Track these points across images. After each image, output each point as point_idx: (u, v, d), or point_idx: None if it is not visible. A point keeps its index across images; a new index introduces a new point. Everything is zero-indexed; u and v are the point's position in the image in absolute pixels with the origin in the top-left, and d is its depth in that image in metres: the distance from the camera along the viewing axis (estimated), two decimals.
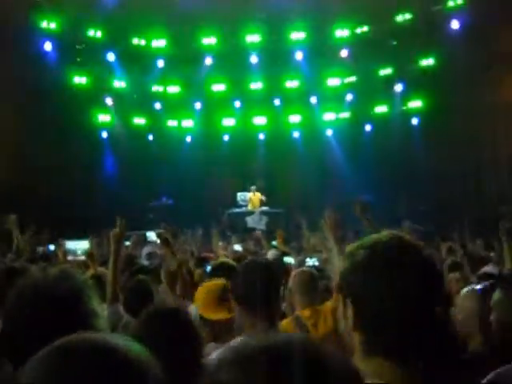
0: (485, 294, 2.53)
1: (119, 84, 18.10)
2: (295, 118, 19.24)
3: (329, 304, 3.51)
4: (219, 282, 3.05)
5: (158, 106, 18.81)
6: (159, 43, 18.17)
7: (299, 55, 18.51)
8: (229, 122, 19.31)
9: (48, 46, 16.35)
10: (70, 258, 6.77)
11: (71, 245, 9.09)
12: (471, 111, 14.63)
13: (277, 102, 19.12)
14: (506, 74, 14.34)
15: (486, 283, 2.75)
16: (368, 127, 18.69)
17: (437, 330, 1.27)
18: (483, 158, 14.72)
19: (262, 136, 19.48)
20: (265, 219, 15.04)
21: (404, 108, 18.19)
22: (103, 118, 18.03)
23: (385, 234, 1.36)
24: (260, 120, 19.30)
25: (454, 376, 2.04)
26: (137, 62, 18.08)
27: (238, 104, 19.19)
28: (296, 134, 19.53)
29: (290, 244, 8.29)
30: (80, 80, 17.20)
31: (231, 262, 4.20)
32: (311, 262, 5.57)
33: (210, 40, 18.32)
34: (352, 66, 18.21)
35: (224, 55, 18.45)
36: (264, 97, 18.95)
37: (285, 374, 0.76)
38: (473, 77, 14.41)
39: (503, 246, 4.25)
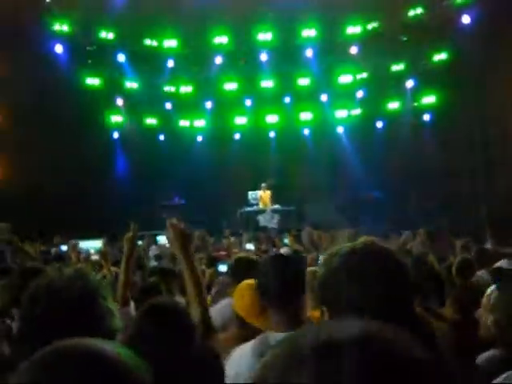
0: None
1: (131, 85, 18.17)
2: (306, 116, 19.21)
3: None
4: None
5: (169, 105, 18.87)
6: (170, 43, 18.22)
7: (310, 52, 18.47)
8: (240, 120, 19.32)
9: (59, 48, 16.47)
10: (83, 257, 6.82)
11: (84, 245, 9.15)
12: (483, 106, 14.50)
13: (288, 99, 19.10)
14: None
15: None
16: (379, 124, 18.60)
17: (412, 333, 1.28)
18: (494, 154, 14.58)
19: (273, 134, 19.48)
20: (276, 217, 15.03)
21: (416, 104, 18.08)
22: (115, 118, 18.13)
23: (360, 241, 1.40)
24: (271, 118, 19.29)
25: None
26: (148, 63, 18.14)
27: (249, 102, 19.19)
28: (307, 132, 19.49)
29: (301, 242, 8.28)
30: (92, 81, 17.30)
31: (252, 256, 4.23)
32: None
33: (220, 39, 18.33)
34: (363, 63, 18.13)
35: (235, 54, 18.47)
36: (275, 95, 18.93)
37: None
38: (484, 72, 14.29)
39: None
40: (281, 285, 2.23)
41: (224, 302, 3.72)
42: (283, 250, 6.53)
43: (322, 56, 18.43)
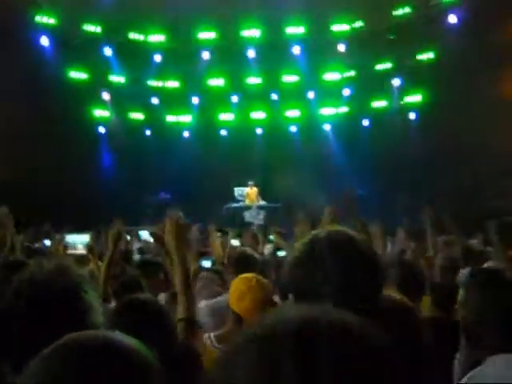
0: None
1: (117, 79, 18.06)
2: (293, 113, 19.23)
3: None
4: (264, 281, 2.93)
5: (155, 100, 18.78)
6: (157, 38, 18.14)
7: (297, 50, 18.49)
8: (227, 116, 19.30)
9: (45, 41, 16.31)
10: (69, 251, 6.77)
11: (70, 238, 9.08)
12: (469, 105, 14.61)
13: (275, 96, 19.10)
14: (504, 67, 14.32)
15: None
16: (366, 122, 18.68)
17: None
18: (481, 153, 14.71)
19: (259, 131, 19.47)
20: (262, 214, 15.06)
21: (402, 102, 18.18)
22: (100, 112, 18.01)
23: (325, 229, 1.40)
24: (258, 115, 19.29)
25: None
26: (134, 57, 18.02)
27: (235, 99, 19.17)
28: (294, 129, 19.52)
29: (288, 239, 8.28)
30: (77, 75, 17.17)
31: (252, 252, 4.24)
32: None
33: (207, 35, 18.30)
34: (350, 61, 18.20)
35: (222, 50, 18.42)
36: (262, 91, 18.93)
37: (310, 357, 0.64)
38: (470, 71, 14.40)
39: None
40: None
41: (220, 299, 3.72)
42: (267, 247, 6.54)
43: (309, 53, 18.46)
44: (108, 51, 17.63)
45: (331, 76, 18.59)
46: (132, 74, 18.23)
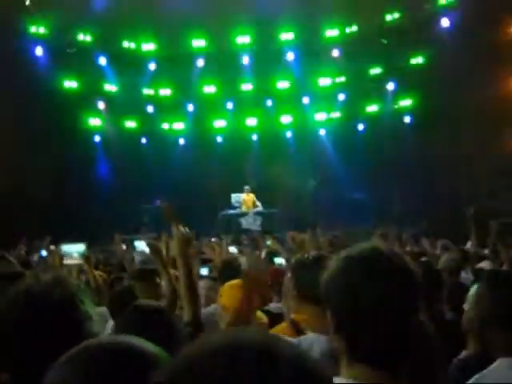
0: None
1: (110, 87, 18.07)
2: (287, 119, 19.26)
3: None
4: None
5: (149, 108, 18.80)
6: (150, 46, 18.18)
7: (290, 56, 18.55)
8: (221, 123, 19.32)
9: (38, 51, 16.32)
10: (66, 262, 6.74)
11: (65, 248, 9.05)
12: (461, 108, 14.69)
13: (268, 102, 19.14)
14: (495, 70, 14.40)
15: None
16: (360, 126, 18.73)
17: (411, 336, 1.30)
18: (473, 155, 14.77)
19: (254, 137, 19.49)
20: (259, 220, 15.05)
21: (395, 107, 18.25)
22: (95, 121, 18.00)
23: (364, 244, 1.40)
24: (252, 121, 19.31)
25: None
26: (128, 65, 18.04)
27: (229, 105, 19.21)
28: (288, 135, 19.54)
29: (285, 245, 8.28)
30: (71, 84, 17.16)
31: (238, 260, 4.26)
32: None
33: (200, 42, 18.35)
34: (343, 66, 18.27)
35: (215, 57, 18.47)
36: (256, 98, 18.97)
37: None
38: (462, 75, 14.47)
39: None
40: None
41: (208, 309, 3.72)
42: (264, 253, 6.53)
43: (302, 59, 18.51)
44: (102, 60, 17.65)
45: (325, 81, 18.65)
46: (126, 83, 18.24)
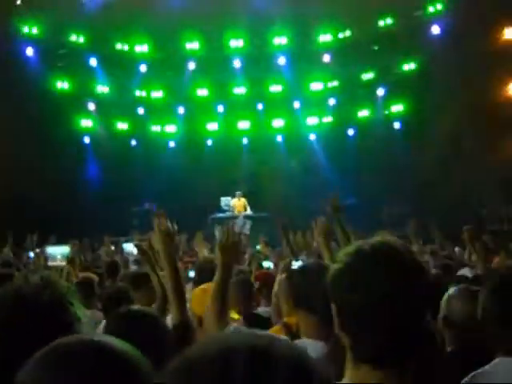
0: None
1: (102, 89, 18.01)
2: (279, 123, 19.29)
3: None
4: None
5: (141, 110, 18.75)
6: (142, 48, 18.15)
7: (282, 60, 18.59)
8: (212, 126, 19.31)
9: (30, 52, 16.24)
10: (50, 263, 6.71)
11: (52, 250, 9.01)
12: (452, 114, 14.79)
13: (260, 106, 19.16)
14: (487, 76, 14.51)
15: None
16: (351, 131, 18.80)
17: (419, 334, 1.28)
18: (466, 161, 14.86)
19: (245, 140, 19.49)
20: (249, 223, 15.02)
21: (386, 112, 18.35)
22: (86, 123, 17.93)
23: (373, 239, 1.34)
24: (243, 124, 19.32)
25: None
26: (119, 67, 18.01)
27: (221, 109, 19.20)
28: (279, 139, 19.57)
29: (275, 249, 8.27)
30: (62, 85, 17.10)
31: (210, 262, 4.20)
32: (297, 265, 5.52)
33: (192, 45, 18.35)
34: (334, 71, 18.35)
35: (207, 60, 18.47)
36: (247, 101, 18.99)
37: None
38: (452, 81, 14.58)
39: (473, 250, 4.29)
40: (316, 292, 2.20)
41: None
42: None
43: (294, 63, 18.57)
44: (93, 61, 17.58)
45: (316, 86, 18.71)
46: (117, 85, 18.20)
